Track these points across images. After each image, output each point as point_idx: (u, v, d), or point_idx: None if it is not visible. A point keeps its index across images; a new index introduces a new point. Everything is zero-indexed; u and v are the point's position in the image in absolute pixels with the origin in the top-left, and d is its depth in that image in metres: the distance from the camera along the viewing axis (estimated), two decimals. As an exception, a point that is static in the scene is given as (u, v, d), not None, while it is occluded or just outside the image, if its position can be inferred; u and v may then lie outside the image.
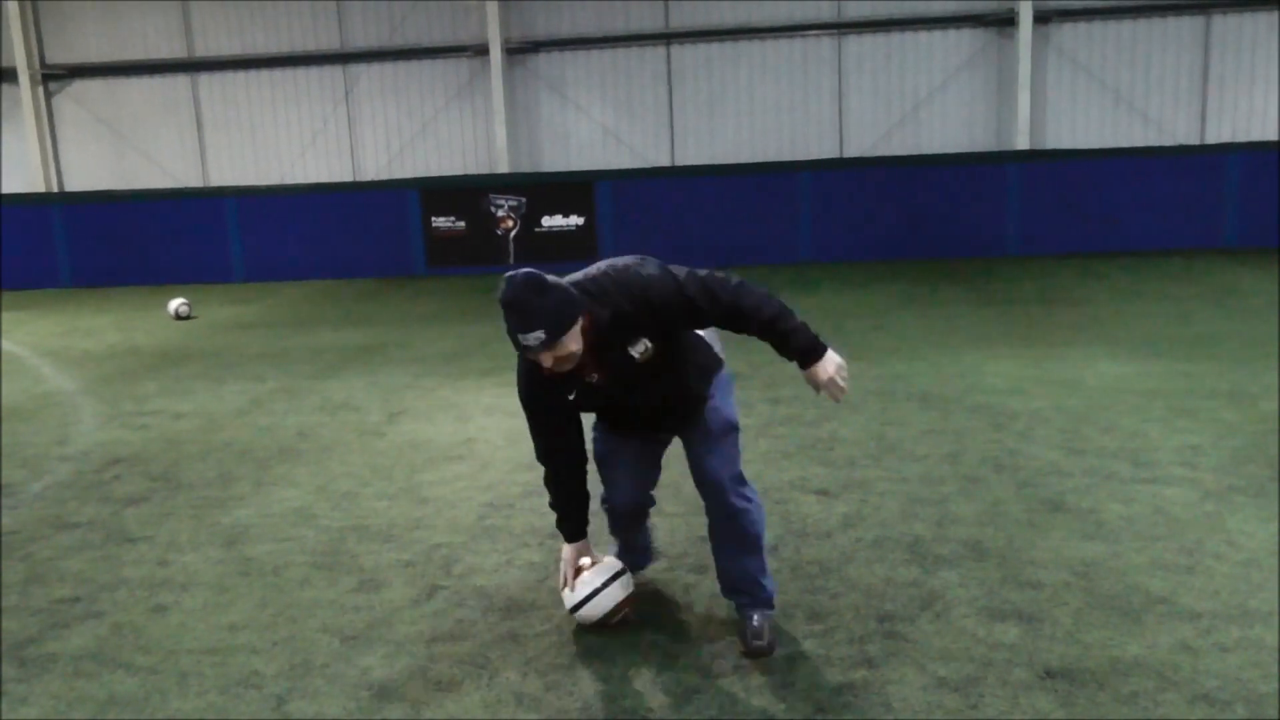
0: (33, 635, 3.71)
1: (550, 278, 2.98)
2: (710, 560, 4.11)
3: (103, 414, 7.55)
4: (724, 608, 3.66)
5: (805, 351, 3.14)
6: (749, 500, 3.39)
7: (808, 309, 11.34)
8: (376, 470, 5.72)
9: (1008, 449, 5.56)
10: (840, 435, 6.01)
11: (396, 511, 4.96)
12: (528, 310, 2.86)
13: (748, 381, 7.38)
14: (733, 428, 3.39)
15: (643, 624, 3.55)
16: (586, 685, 3.17)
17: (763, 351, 8.88)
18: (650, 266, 3.12)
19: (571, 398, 3.20)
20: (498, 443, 6.21)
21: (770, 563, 4.02)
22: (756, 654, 3.29)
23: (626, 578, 3.55)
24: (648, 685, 3.15)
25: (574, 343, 2.95)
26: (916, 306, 11.32)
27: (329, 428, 6.78)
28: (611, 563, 3.57)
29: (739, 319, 3.12)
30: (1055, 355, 8.12)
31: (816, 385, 3.16)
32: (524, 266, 3.07)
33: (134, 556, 4.49)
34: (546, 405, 3.25)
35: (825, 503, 4.81)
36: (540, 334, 2.87)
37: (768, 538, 4.31)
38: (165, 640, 3.62)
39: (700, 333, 3.36)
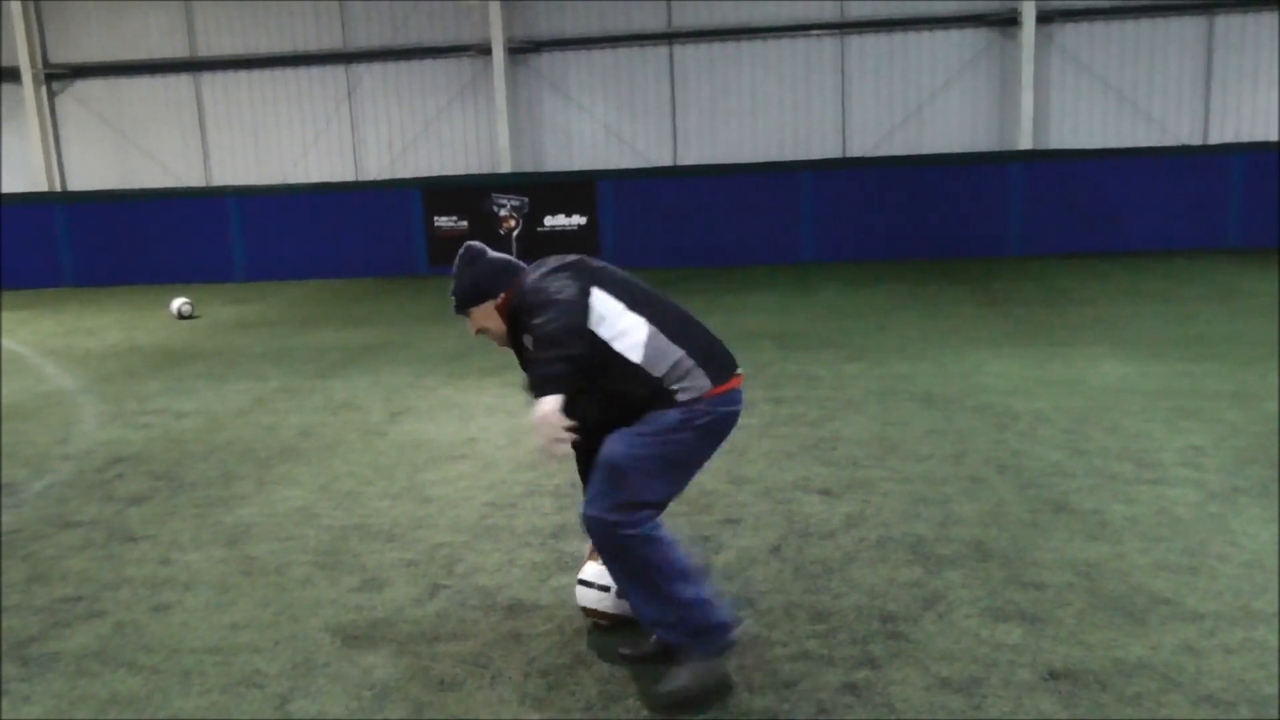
0: (35, 634, 3.71)
1: (491, 255, 3.24)
2: (713, 558, 4.12)
3: (105, 413, 7.55)
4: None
5: (534, 384, 2.87)
6: (614, 536, 2.98)
7: (810, 309, 11.39)
8: (379, 469, 5.72)
9: (1011, 449, 5.55)
10: (843, 435, 6.00)
11: (399, 511, 4.96)
12: (457, 277, 3.24)
13: (750, 382, 7.35)
14: (615, 469, 2.97)
15: (630, 626, 3.54)
16: (589, 685, 3.16)
17: (764, 350, 8.84)
18: (550, 269, 3.13)
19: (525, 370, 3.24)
20: (500, 442, 6.20)
21: (773, 563, 4.04)
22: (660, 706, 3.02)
23: (612, 599, 3.43)
24: (649, 686, 3.14)
25: (486, 319, 3.21)
26: (919, 307, 11.31)
27: (331, 427, 6.78)
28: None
29: (531, 333, 2.98)
30: (1058, 356, 8.11)
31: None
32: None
33: (136, 555, 4.49)
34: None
35: (828, 503, 4.80)
36: (452, 299, 3.27)
37: (770, 537, 4.34)
38: (167, 639, 3.62)
39: (640, 364, 3.00)
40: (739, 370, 3.19)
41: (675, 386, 3.01)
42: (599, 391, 3.07)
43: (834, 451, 5.67)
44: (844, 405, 6.75)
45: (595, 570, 3.50)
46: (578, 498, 4.93)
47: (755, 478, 5.19)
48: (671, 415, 3.00)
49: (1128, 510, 4.52)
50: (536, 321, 2.90)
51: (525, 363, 3.26)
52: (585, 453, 3.27)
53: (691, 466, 3.13)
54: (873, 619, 3.54)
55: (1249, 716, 2.84)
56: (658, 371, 3.01)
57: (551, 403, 2.80)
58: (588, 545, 3.61)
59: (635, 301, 3.10)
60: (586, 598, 3.50)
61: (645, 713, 3.00)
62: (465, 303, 3.23)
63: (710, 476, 5.05)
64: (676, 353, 3.03)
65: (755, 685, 3.12)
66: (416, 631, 3.59)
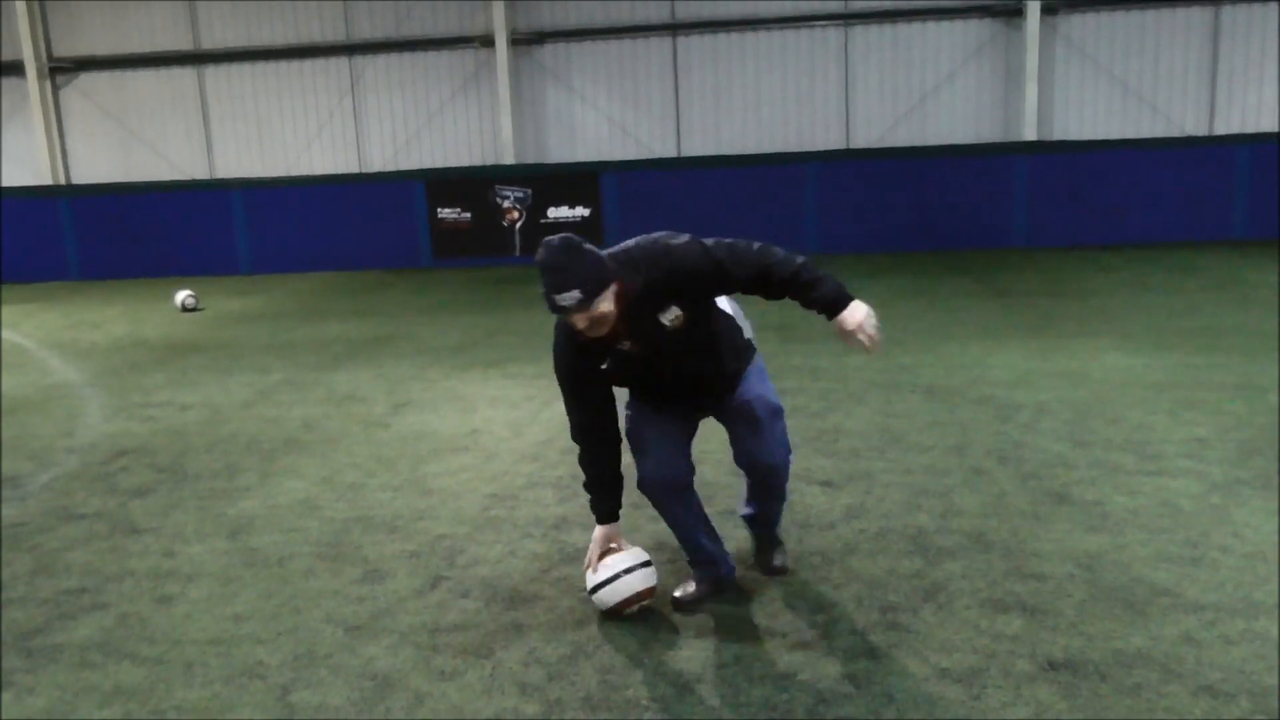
0: (39, 626, 3.73)
1: (585, 243, 3.10)
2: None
3: (109, 406, 7.57)
4: (726, 600, 3.66)
5: (831, 303, 3.19)
6: (790, 465, 3.67)
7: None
8: (381, 461, 5.73)
9: (1013, 441, 5.55)
10: (845, 427, 6.00)
11: (401, 502, 4.97)
12: (564, 270, 2.97)
13: (753, 373, 7.38)
14: (779, 411, 3.53)
15: (645, 615, 3.55)
16: (589, 675, 3.17)
17: (766, 342, 8.87)
18: (679, 237, 3.24)
19: (604, 367, 3.27)
20: (502, 434, 6.21)
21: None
22: (778, 572, 3.85)
23: (650, 570, 3.54)
24: (650, 675, 3.16)
25: (607, 305, 3.04)
26: (923, 298, 11.30)
27: (334, 419, 6.80)
28: (638, 552, 3.56)
29: (766, 279, 3.19)
30: (1061, 347, 8.10)
31: (845, 335, 3.21)
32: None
33: (140, 548, 4.51)
34: (582, 378, 3.32)
35: (829, 494, 4.80)
36: (576, 293, 2.97)
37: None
38: (171, 631, 3.63)
39: (731, 314, 3.47)
40: None
41: (750, 337, 3.57)
42: (722, 348, 3.42)
43: (836, 443, 5.67)
44: (846, 397, 6.75)
45: (610, 563, 3.50)
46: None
47: (757, 469, 5.18)
48: (759, 360, 3.60)
49: (1129, 502, 4.51)
50: (773, 263, 3.18)
51: (599, 353, 3.22)
52: (667, 414, 3.55)
53: None
54: (873, 610, 3.55)
55: (1249, 708, 2.84)
56: (742, 323, 3.54)
57: (863, 304, 3.22)
58: (594, 544, 3.58)
59: None
60: (632, 584, 3.48)
61: (646, 702, 3.01)
62: (594, 291, 2.99)
63: (712, 468, 5.06)
64: (739, 308, 3.57)
65: (755, 675, 3.12)
66: (418, 622, 3.60)
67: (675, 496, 3.58)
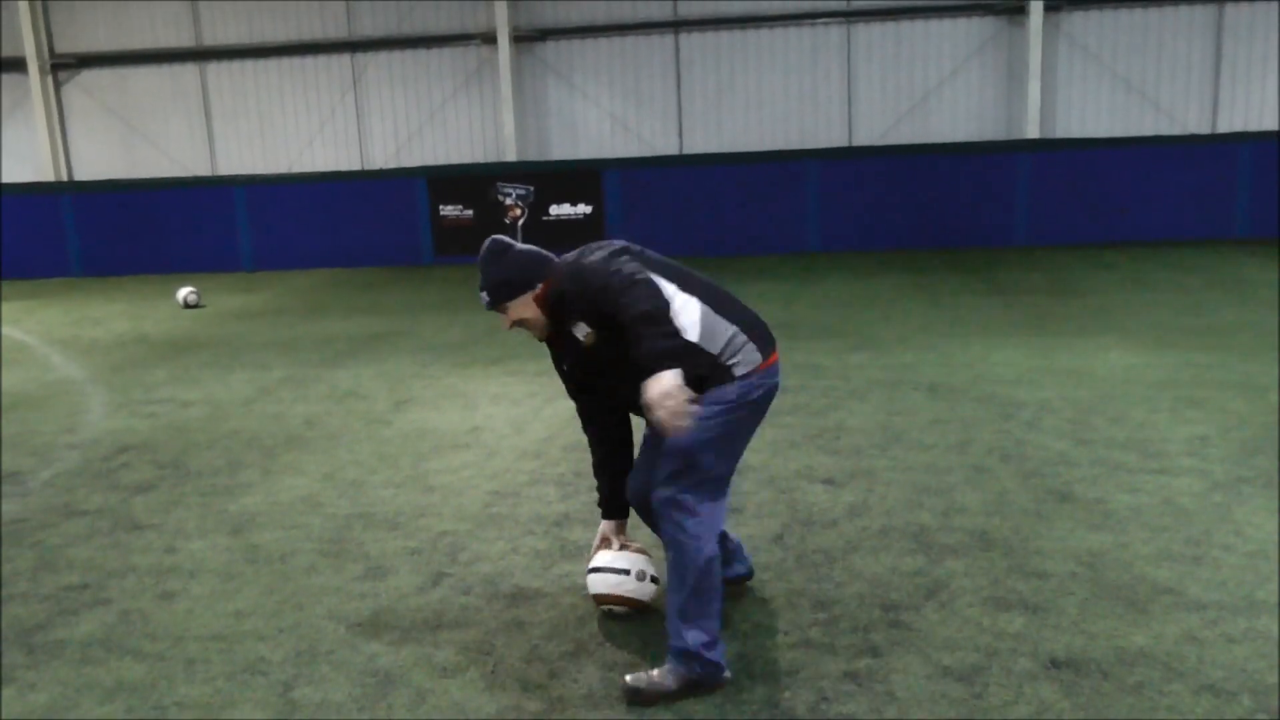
0: (41, 622, 3.73)
1: (519, 247, 3.18)
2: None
3: (111, 402, 7.58)
4: (727, 596, 3.65)
5: (646, 361, 2.79)
6: (680, 530, 3.02)
7: (816, 298, 11.36)
8: (383, 458, 5.73)
9: (1015, 439, 5.55)
10: (847, 425, 6.00)
11: (403, 499, 4.98)
12: (482, 272, 3.14)
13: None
14: (681, 452, 2.99)
15: (645, 613, 3.55)
16: (590, 673, 3.17)
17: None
18: (606, 253, 3.11)
19: (565, 367, 3.33)
20: (504, 431, 6.21)
21: (775, 551, 4.05)
22: (627, 695, 3.01)
23: (634, 581, 3.45)
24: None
25: (525, 310, 3.14)
26: (925, 296, 11.29)
27: (336, 416, 6.80)
28: (636, 558, 3.51)
29: (620, 319, 2.90)
30: (1064, 345, 8.09)
31: (645, 407, 2.80)
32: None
33: (142, 544, 4.51)
34: (563, 374, 3.38)
35: (831, 492, 4.80)
36: (484, 295, 3.16)
37: (773, 526, 4.34)
38: (173, 627, 3.63)
39: (697, 342, 3.01)
40: (776, 344, 3.25)
41: (731, 361, 3.05)
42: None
43: (838, 441, 5.67)
44: (848, 395, 6.74)
45: (608, 557, 3.51)
46: (581, 486, 4.96)
47: (759, 466, 5.19)
48: (730, 390, 3.04)
49: (1131, 500, 4.51)
50: (625, 303, 2.86)
51: (560, 354, 3.28)
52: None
53: (745, 440, 3.19)
54: (874, 608, 3.54)
55: (1251, 706, 2.84)
56: (714, 348, 3.04)
57: (673, 376, 2.75)
58: (596, 535, 3.61)
59: (683, 281, 3.13)
60: (602, 583, 3.49)
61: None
62: (499, 298, 3.12)
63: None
64: (729, 328, 3.08)
65: (756, 673, 3.12)
66: (419, 619, 3.60)
67: (645, 514, 3.43)
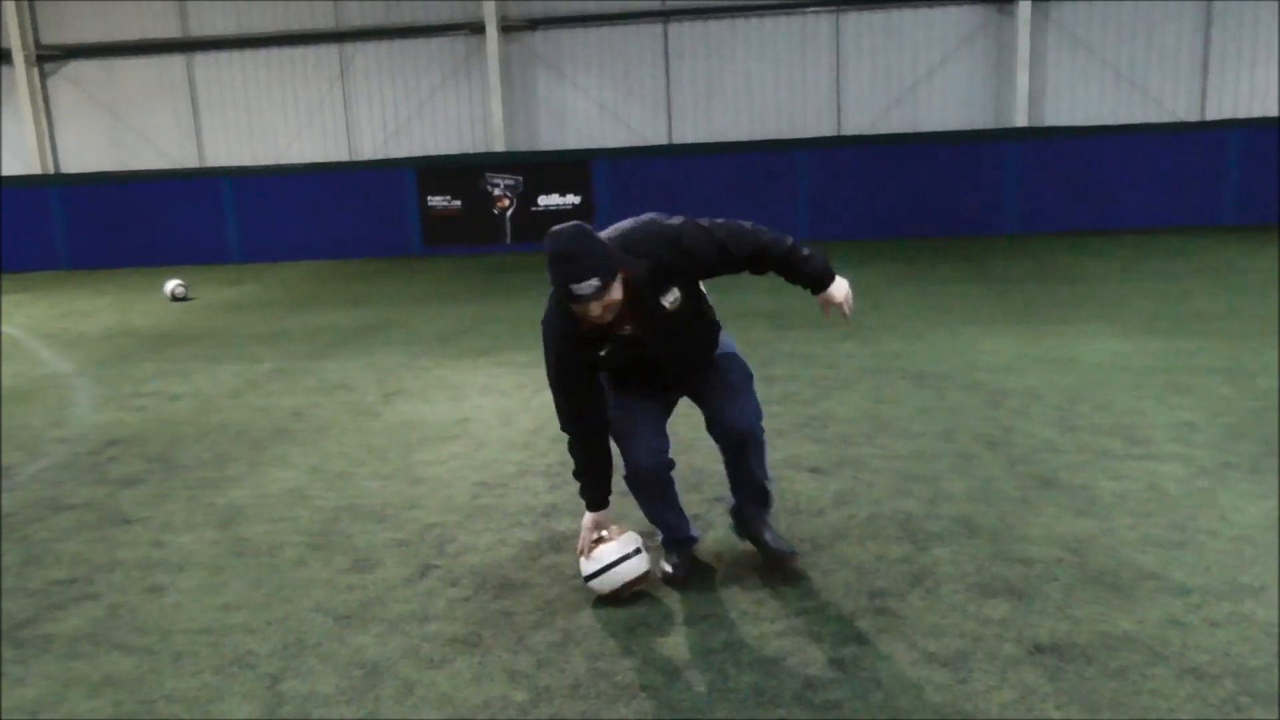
0: (29, 617, 3.73)
1: (595, 231, 3.17)
2: (700, 540, 4.13)
3: (99, 396, 7.56)
4: (713, 586, 3.68)
5: (818, 278, 3.38)
6: (763, 432, 3.65)
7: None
8: (371, 450, 5.73)
9: (1002, 426, 5.57)
10: (834, 413, 6.01)
11: (391, 491, 4.97)
12: (583, 258, 2.99)
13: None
14: (751, 376, 3.62)
15: (634, 601, 3.56)
16: (578, 663, 3.18)
17: (757, 329, 8.81)
18: (673, 218, 3.34)
19: (603, 353, 3.32)
20: (492, 422, 6.21)
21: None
22: (787, 559, 3.72)
23: (642, 558, 3.57)
24: (638, 662, 3.17)
25: (618, 291, 3.10)
26: (914, 285, 11.31)
27: (324, 408, 6.79)
28: (632, 538, 3.58)
29: (762, 257, 3.35)
30: (1052, 333, 8.11)
31: (827, 306, 3.42)
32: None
33: (130, 538, 4.51)
34: (575, 367, 3.36)
35: (818, 480, 4.81)
36: (595, 281, 2.99)
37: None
38: (160, 621, 3.63)
39: (704, 292, 3.51)
40: None
41: (717, 320, 3.64)
42: (705, 325, 3.54)
43: (825, 430, 5.68)
44: (837, 384, 6.76)
45: (615, 548, 3.53)
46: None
47: (747, 456, 5.19)
48: (725, 334, 3.69)
49: (1117, 486, 4.53)
50: (767, 241, 3.34)
51: (604, 339, 3.29)
52: (647, 399, 3.61)
53: None
54: (861, 595, 3.56)
55: (1234, 689, 2.85)
56: (715, 314, 3.59)
57: (846, 282, 3.44)
58: (585, 530, 3.62)
59: None
60: (625, 573, 3.52)
61: (634, 689, 3.02)
62: (610, 276, 3.03)
63: (701, 455, 5.07)
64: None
65: (743, 661, 3.13)
66: (407, 611, 3.61)
67: (660, 484, 3.63)
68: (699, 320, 3.48)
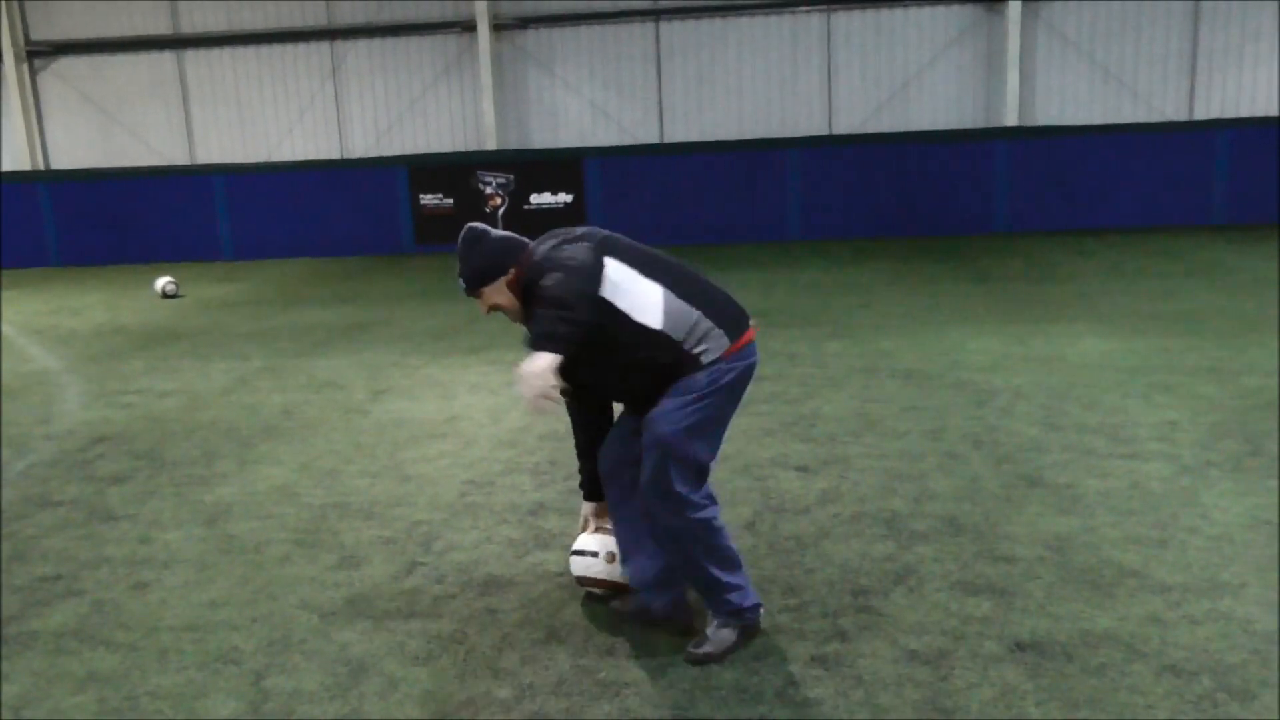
0: (14, 613, 3.73)
1: (494, 233, 3.20)
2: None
3: (88, 393, 7.55)
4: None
5: (533, 339, 2.85)
6: (678, 517, 3.08)
7: (795, 286, 11.40)
8: (360, 448, 5.73)
9: (988, 425, 5.59)
10: (822, 412, 6.03)
11: (378, 489, 4.98)
12: (459, 259, 3.18)
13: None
14: (660, 442, 3.01)
15: (624, 594, 3.57)
16: (562, 660, 3.20)
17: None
18: (561, 240, 3.16)
19: None
20: (481, 420, 6.22)
21: (747, 538, 4.08)
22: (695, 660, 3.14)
23: (601, 563, 3.51)
24: (623, 660, 3.18)
25: (498, 296, 3.14)
26: (903, 284, 11.34)
27: (313, 406, 6.79)
28: (605, 539, 3.53)
29: (538, 296, 2.96)
30: (1039, 332, 8.15)
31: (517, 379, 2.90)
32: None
33: (116, 535, 4.51)
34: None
35: (804, 479, 4.83)
36: (461, 283, 3.19)
37: (745, 513, 4.38)
38: (146, 617, 3.64)
39: (658, 329, 3.04)
40: (752, 322, 3.23)
41: (698, 350, 3.06)
42: (627, 365, 3.11)
43: (813, 428, 5.70)
44: (825, 382, 6.78)
45: (583, 539, 3.56)
46: (556, 475, 4.98)
47: (733, 454, 5.22)
48: (700, 379, 3.06)
49: (1100, 484, 4.56)
50: (545, 284, 2.91)
51: (617, 363, 3.21)
52: (599, 428, 3.44)
53: (724, 425, 3.20)
54: (844, 593, 3.58)
55: (1211, 686, 2.88)
56: (679, 335, 3.06)
57: (546, 360, 2.78)
58: (580, 520, 3.65)
59: (648, 267, 3.13)
60: (578, 566, 3.56)
61: (619, 686, 3.03)
62: (476, 283, 3.14)
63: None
64: (694, 314, 3.07)
65: (726, 659, 3.15)
66: (393, 608, 3.62)
67: (615, 487, 3.40)
68: (607, 355, 3.08)
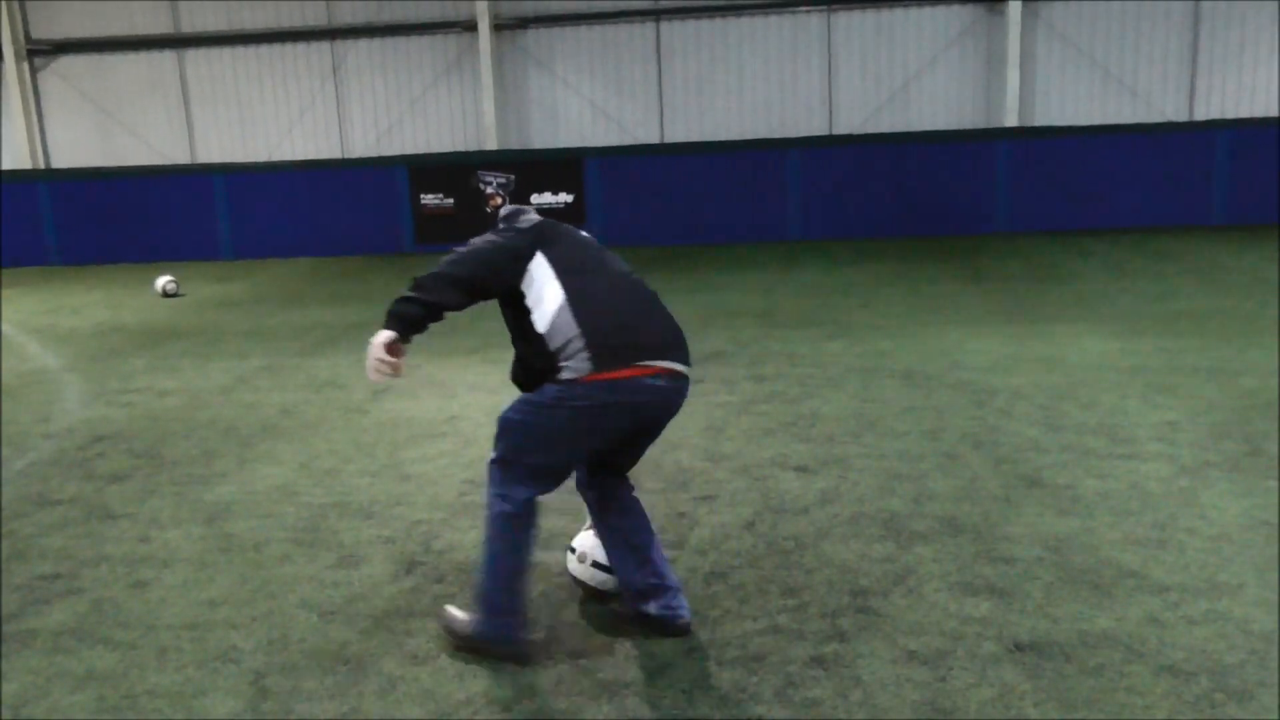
0: (13, 611, 3.73)
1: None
2: (688, 534, 4.16)
3: (88, 391, 7.55)
4: (698, 583, 3.69)
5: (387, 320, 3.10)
6: (490, 495, 3.17)
7: (795, 287, 11.40)
8: (359, 447, 5.74)
9: (988, 426, 5.60)
10: (822, 412, 6.03)
11: (378, 488, 4.99)
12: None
13: (732, 359, 7.41)
14: (500, 420, 3.17)
15: (617, 599, 3.57)
16: (561, 659, 3.20)
17: (747, 327, 8.83)
18: (517, 233, 3.24)
19: None
20: (481, 420, 6.22)
21: (746, 538, 4.08)
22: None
23: (575, 562, 3.57)
24: (621, 659, 3.18)
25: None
26: (903, 284, 11.34)
27: (313, 405, 6.79)
28: (584, 536, 3.57)
29: None
30: (1039, 332, 8.15)
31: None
32: None
33: (115, 533, 4.51)
34: None
35: (804, 479, 4.84)
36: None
37: (744, 513, 4.38)
38: (145, 616, 3.64)
39: (543, 334, 3.07)
40: (664, 363, 3.07)
41: (561, 364, 3.04)
42: (518, 351, 3.29)
43: (812, 428, 5.70)
44: (824, 383, 6.78)
45: (580, 537, 3.57)
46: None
47: (733, 454, 5.23)
48: (549, 390, 3.07)
49: (1099, 485, 4.56)
50: (470, 241, 3.12)
51: (512, 338, 3.30)
52: None
53: (571, 444, 3.13)
54: (843, 593, 3.58)
55: (1209, 686, 2.88)
56: (553, 345, 3.05)
57: (385, 335, 3.05)
58: (583, 520, 3.66)
59: (570, 271, 3.12)
60: (568, 561, 3.63)
61: (618, 686, 3.03)
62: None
63: (688, 454, 5.09)
64: (573, 330, 3.02)
65: (725, 659, 3.15)
66: (392, 608, 3.62)
67: (594, 491, 3.49)
68: (519, 342, 3.25)
